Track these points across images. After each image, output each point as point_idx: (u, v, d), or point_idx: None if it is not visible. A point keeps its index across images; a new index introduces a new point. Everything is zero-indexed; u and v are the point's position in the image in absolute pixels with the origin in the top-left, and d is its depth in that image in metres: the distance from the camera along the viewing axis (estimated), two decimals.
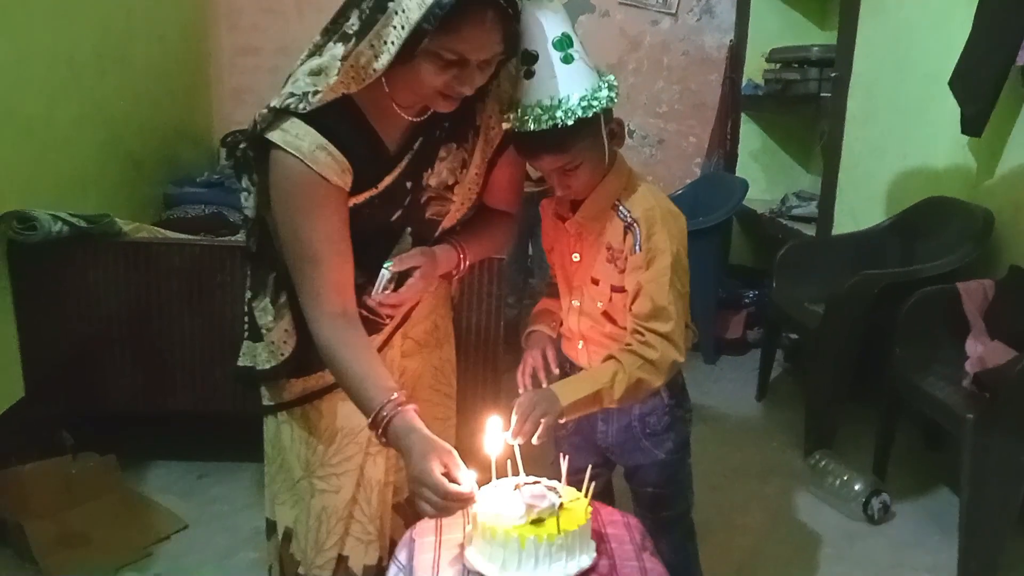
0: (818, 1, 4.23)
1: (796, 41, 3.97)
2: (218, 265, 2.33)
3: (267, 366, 1.45)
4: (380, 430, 1.27)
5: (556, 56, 1.33)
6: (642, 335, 1.41)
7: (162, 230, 2.56)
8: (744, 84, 4.24)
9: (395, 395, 1.28)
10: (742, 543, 2.37)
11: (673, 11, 4.27)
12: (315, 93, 1.26)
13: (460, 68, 1.25)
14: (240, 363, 1.51)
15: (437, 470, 1.18)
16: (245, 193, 1.38)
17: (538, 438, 1.34)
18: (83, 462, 2.37)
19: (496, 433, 1.30)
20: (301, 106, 1.26)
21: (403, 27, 1.20)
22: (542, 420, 1.33)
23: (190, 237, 2.51)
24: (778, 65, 3.97)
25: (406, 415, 1.27)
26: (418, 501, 1.21)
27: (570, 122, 1.32)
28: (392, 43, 1.21)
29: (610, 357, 1.42)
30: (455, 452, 1.23)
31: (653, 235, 1.42)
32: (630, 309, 1.44)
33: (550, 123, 1.32)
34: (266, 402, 1.52)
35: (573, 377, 1.46)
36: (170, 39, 3.61)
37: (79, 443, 2.44)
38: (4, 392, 2.34)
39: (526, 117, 1.34)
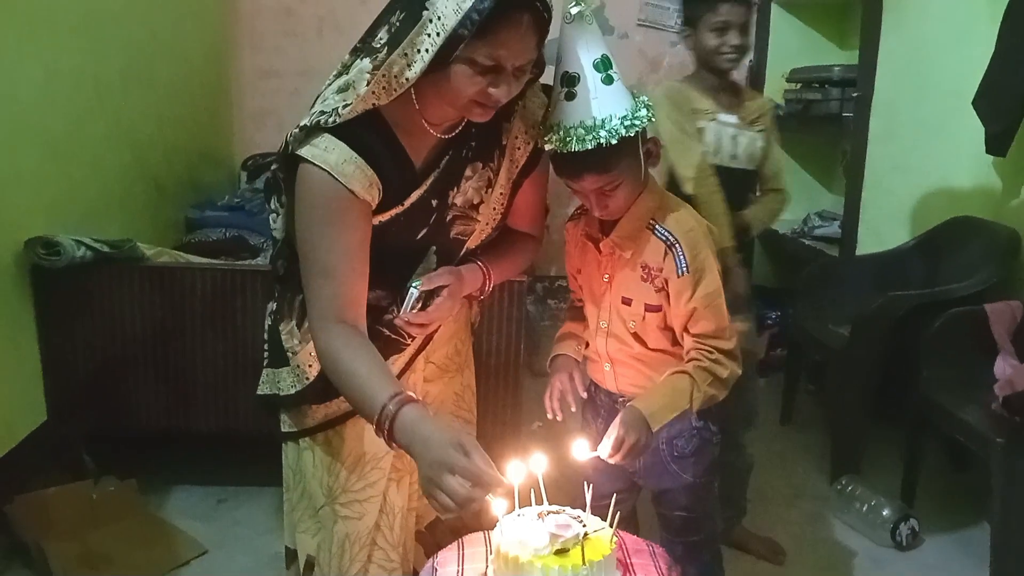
0: (838, 21, 4.20)
1: (816, 61, 3.94)
2: (239, 288, 2.34)
3: (292, 391, 1.44)
4: (387, 427, 1.20)
5: (597, 77, 1.34)
6: (711, 353, 1.44)
7: (184, 254, 2.57)
8: None
9: (400, 391, 1.23)
10: (768, 569, 2.33)
11: None
12: (345, 106, 1.26)
13: (495, 74, 1.24)
14: (260, 392, 1.50)
15: (461, 454, 1.12)
16: (274, 215, 1.38)
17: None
18: (104, 486, 2.38)
19: (521, 463, 1.28)
20: (331, 120, 1.26)
21: (439, 34, 1.19)
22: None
23: (211, 261, 2.52)
24: (798, 85, 3.94)
25: (415, 407, 1.21)
26: (437, 494, 1.12)
27: (614, 141, 1.33)
28: (427, 51, 1.20)
29: (678, 372, 1.44)
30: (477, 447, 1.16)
31: (698, 255, 1.43)
32: (687, 330, 1.45)
33: (594, 143, 1.32)
34: (287, 428, 1.51)
35: (652, 396, 1.43)
36: (194, 61, 3.64)
37: (100, 466, 2.44)
38: (27, 415, 2.35)
39: (569, 138, 1.34)
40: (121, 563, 2.21)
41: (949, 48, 2.96)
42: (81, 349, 2.38)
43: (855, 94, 3.43)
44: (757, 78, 4.22)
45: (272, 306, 1.47)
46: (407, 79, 1.24)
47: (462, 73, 1.23)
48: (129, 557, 2.23)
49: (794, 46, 4.17)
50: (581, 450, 1.34)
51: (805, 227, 3.86)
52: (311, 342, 1.39)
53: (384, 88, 1.25)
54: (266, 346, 1.49)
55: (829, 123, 3.69)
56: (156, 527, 2.40)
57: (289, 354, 1.43)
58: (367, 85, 1.24)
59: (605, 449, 1.36)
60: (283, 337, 1.44)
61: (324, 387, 1.40)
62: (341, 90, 1.28)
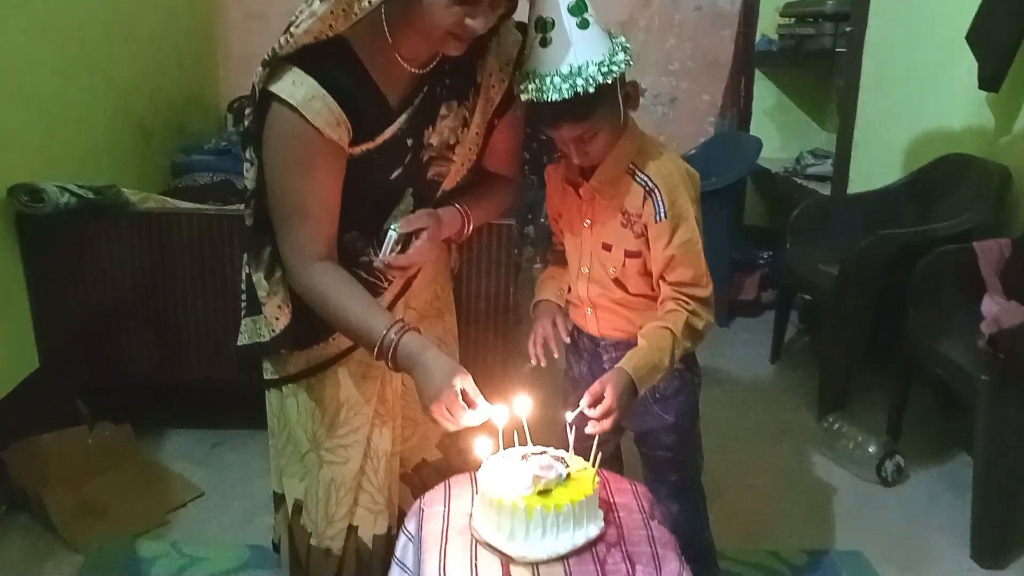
0: None
1: None
2: (227, 234, 2.32)
3: (267, 339, 1.45)
4: (389, 354, 1.29)
5: (572, 22, 1.30)
6: (687, 303, 1.43)
7: (170, 199, 2.55)
8: (758, 40, 4.16)
9: (397, 320, 1.31)
10: (754, 505, 2.37)
11: None
12: (298, 25, 1.23)
13: (472, 5, 1.22)
14: (240, 342, 1.51)
15: (458, 395, 1.24)
16: (247, 164, 1.37)
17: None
18: (99, 432, 2.39)
19: (505, 405, 1.30)
20: (286, 41, 1.24)
21: None
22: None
23: (198, 206, 2.50)
24: (792, 20, 3.89)
25: (416, 336, 1.30)
26: (439, 414, 1.25)
27: (591, 90, 1.30)
28: None
29: (660, 327, 1.41)
30: (471, 378, 1.27)
31: (676, 201, 1.41)
32: (663, 277, 1.44)
33: (571, 92, 1.29)
34: (269, 376, 1.52)
35: (638, 357, 1.39)
36: (178, 6, 3.58)
37: (95, 413, 2.46)
38: (19, 363, 2.36)
39: (545, 87, 1.31)
40: (119, 507, 2.24)
41: None
42: (70, 297, 2.37)
43: (848, 29, 3.37)
44: (750, 13, 4.14)
45: (247, 255, 1.47)
46: (369, 2, 1.21)
47: (437, 3, 1.20)
48: (127, 501, 2.27)
49: None
50: (568, 416, 1.32)
51: (797, 165, 3.85)
52: (279, 294, 1.40)
53: (344, 10, 1.23)
54: (243, 295, 1.49)
55: (822, 59, 3.66)
56: (152, 471, 2.43)
57: (262, 304, 1.43)
58: (324, 3, 1.22)
59: (593, 413, 1.32)
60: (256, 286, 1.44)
61: (296, 337, 1.43)
62: (302, 19, 1.25)
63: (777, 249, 3.83)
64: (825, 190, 3.56)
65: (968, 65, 2.59)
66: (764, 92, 4.28)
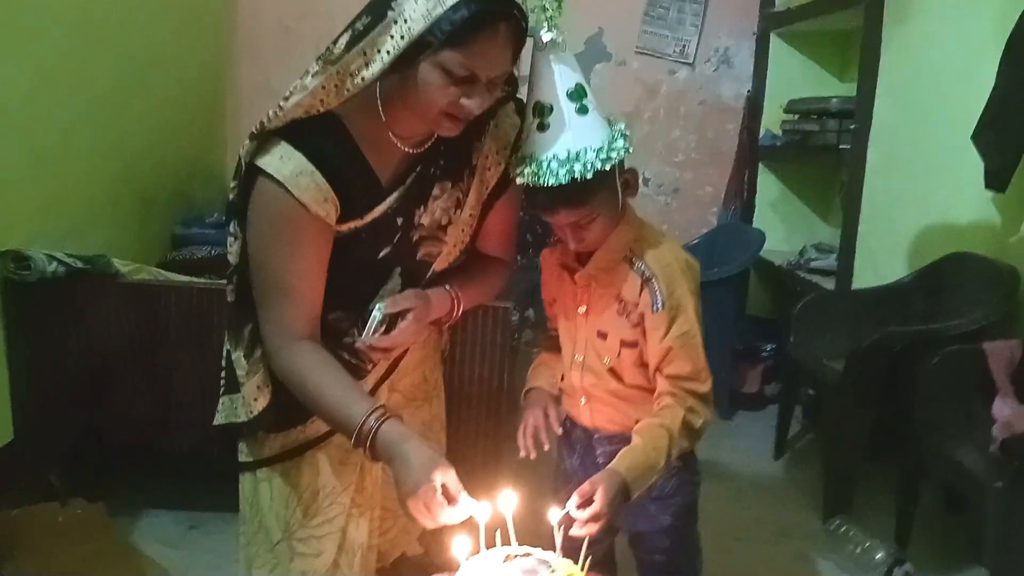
0: (838, 52, 4.18)
1: (814, 92, 3.91)
2: (216, 307, 2.28)
3: (243, 418, 1.38)
4: (367, 442, 1.21)
5: (571, 107, 1.28)
6: (685, 398, 1.36)
7: (164, 272, 2.52)
8: (762, 135, 4.19)
9: (378, 406, 1.23)
10: None
11: (690, 61, 4.24)
12: (288, 98, 1.21)
13: (469, 85, 1.19)
14: (216, 421, 1.44)
15: (437, 491, 1.15)
16: (231, 238, 1.33)
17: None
18: (71, 509, 2.29)
19: (489, 501, 1.21)
20: (274, 113, 1.21)
21: (403, 37, 1.14)
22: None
23: (187, 279, 2.46)
24: (796, 116, 3.92)
25: (396, 424, 1.22)
26: (416, 510, 1.17)
27: (589, 175, 1.26)
28: (387, 52, 1.15)
29: (655, 426, 1.33)
30: (453, 471, 1.19)
31: (675, 291, 1.36)
32: (659, 370, 1.38)
33: (568, 177, 1.26)
34: (243, 458, 1.45)
35: (632, 458, 1.31)
36: (190, 74, 3.60)
37: (69, 488, 2.36)
38: None
39: (542, 171, 1.28)
40: None
41: (949, 81, 2.92)
42: (50, 367, 2.32)
43: (853, 126, 3.39)
44: (755, 108, 4.19)
45: (228, 332, 1.41)
46: (363, 79, 1.18)
47: (434, 82, 1.18)
48: None
49: (792, 77, 4.15)
50: (555, 515, 1.23)
51: (801, 259, 3.81)
52: (258, 374, 1.34)
53: (336, 86, 1.20)
54: (223, 372, 1.43)
55: (826, 154, 3.66)
56: (123, 553, 2.32)
57: (241, 384, 1.37)
58: (316, 78, 1.19)
59: (581, 515, 1.23)
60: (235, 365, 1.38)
61: (274, 420, 1.36)
62: (294, 93, 1.23)
63: (781, 341, 3.77)
64: (829, 284, 3.52)
65: (974, 163, 2.57)
66: (768, 185, 4.29)
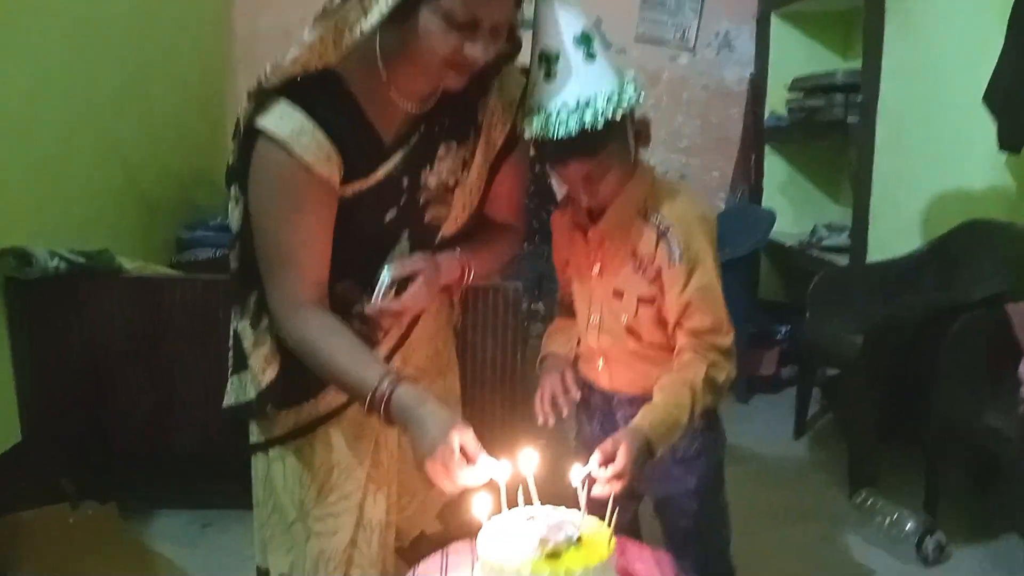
0: (840, 31, 4.14)
1: (818, 71, 3.87)
2: (220, 300, 2.24)
3: (253, 396, 1.34)
4: (382, 407, 1.16)
5: (578, 54, 1.24)
6: (707, 352, 1.31)
7: (166, 268, 2.48)
8: (767, 117, 4.15)
9: (391, 369, 1.20)
10: None
11: (691, 47, 4.20)
12: (285, 55, 1.17)
13: (471, 31, 1.15)
14: (225, 403, 1.40)
15: (455, 451, 1.10)
16: (232, 203, 1.29)
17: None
18: (83, 511, 2.25)
19: (517, 463, 1.16)
20: (271, 70, 1.18)
21: None
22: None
23: (190, 274, 2.43)
24: (801, 93, 3.87)
25: (411, 387, 1.18)
26: (435, 473, 1.13)
27: (600, 124, 1.22)
28: (385, 2, 1.12)
29: (679, 383, 1.29)
30: (471, 431, 1.14)
31: (692, 243, 1.31)
32: (679, 325, 1.33)
33: (578, 126, 1.22)
34: (255, 439, 1.41)
35: (654, 415, 1.26)
36: (191, 81, 3.60)
37: (81, 490, 2.32)
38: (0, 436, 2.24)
39: (550, 122, 1.23)
40: None
41: (955, 49, 2.87)
42: (56, 365, 2.28)
43: (859, 99, 3.34)
44: (758, 90, 4.15)
45: (233, 305, 1.38)
46: (361, 30, 1.15)
47: (435, 29, 1.14)
48: None
49: (795, 58, 4.11)
50: (578, 474, 1.18)
51: (812, 238, 3.76)
52: (265, 344, 1.31)
53: (334, 40, 1.16)
54: (231, 351, 1.39)
55: (834, 131, 3.61)
56: (138, 554, 2.28)
57: (247, 357, 1.33)
58: (313, 32, 1.16)
59: (604, 473, 1.19)
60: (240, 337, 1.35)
61: (284, 393, 1.32)
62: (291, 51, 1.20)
63: (795, 324, 3.72)
64: (842, 261, 3.46)
65: (985, 127, 2.53)
66: (775, 167, 4.25)
